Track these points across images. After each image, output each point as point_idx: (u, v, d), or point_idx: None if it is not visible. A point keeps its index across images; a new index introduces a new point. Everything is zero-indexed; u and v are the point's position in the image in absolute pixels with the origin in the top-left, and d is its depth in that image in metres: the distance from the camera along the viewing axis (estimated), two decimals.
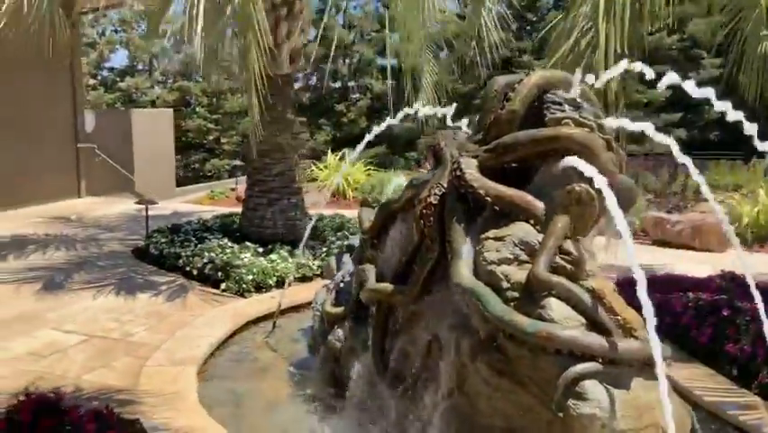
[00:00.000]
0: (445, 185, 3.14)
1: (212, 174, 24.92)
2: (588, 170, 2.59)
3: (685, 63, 21.96)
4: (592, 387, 2.36)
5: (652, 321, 2.25)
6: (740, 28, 4.58)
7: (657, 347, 2.21)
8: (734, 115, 2.88)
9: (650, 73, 2.99)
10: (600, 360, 2.38)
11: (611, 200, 2.43)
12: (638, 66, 2.90)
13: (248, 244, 6.98)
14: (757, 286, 3.18)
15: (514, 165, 3.08)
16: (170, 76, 30.46)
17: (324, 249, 7.03)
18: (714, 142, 19.35)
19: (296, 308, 5.56)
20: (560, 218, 2.65)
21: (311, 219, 7.53)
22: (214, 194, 12.84)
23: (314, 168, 12.97)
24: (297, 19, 7.33)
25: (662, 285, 5.63)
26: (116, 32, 30.65)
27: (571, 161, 2.71)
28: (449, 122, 3.76)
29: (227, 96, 26.27)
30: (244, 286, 5.97)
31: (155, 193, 14.08)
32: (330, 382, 4.06)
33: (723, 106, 2.85)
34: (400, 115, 4.06)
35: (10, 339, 4.72)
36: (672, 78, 2.91)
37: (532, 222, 2.80)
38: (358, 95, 28.60)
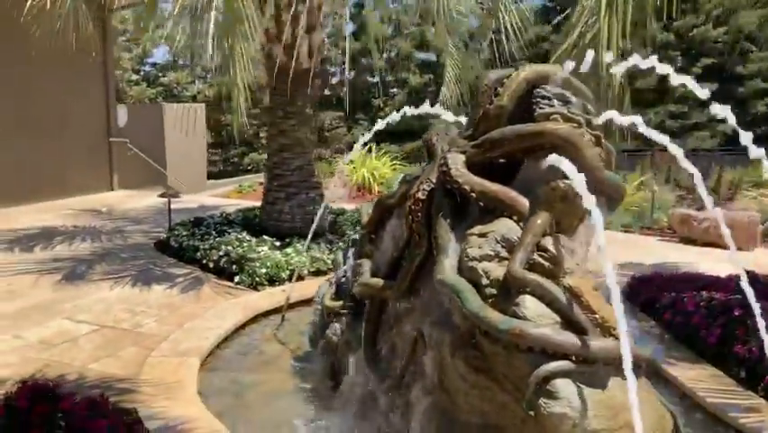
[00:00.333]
0: (434, 180, 3.13)
1: (251, 168, 25.17)
2: (568, 166, 2.55)
3: (732, 56, 21.45)
4: (564, 386, 2.33)
5: (623, 320, 2.20)
6: None
7: (626, 346, 2.16)
8: (730, 119, 2.79)
9: (644, 65, 2.93)
10: (573, 358, 2.35)
11: (587, 198, 2.38)
12: (635, 59, 2.83)
13: (265, 237, 7.05)
14: None
15: (502, 161, 3.06)
16: (210, 71, 30.84)
17: (342, 243, 7.05)
18: (762, 138, 18.76)
19: (306, 302, 5.56)
20: (539, 215, 2.62)
21: (327, 215, 7.58)
22: (243, 188, 12.99)
23: (339, 162, 13.02)
24: (315, 14, 7.35)
25: (679, 283, 5.53)
26: (159, 27, 31.15)
27: (554, 158, 2.67)
28: None
29: (266, 91, 26.47)
30: (257, 279, 6.04)
31: (187, 187, 14.36)
32: (329, 376, 4.09)
33: (719, 108, 2.77)
34: (397, 115, 4.04)
35: (24, 328, 4.85)
36: (663, 69, 2.84)
37: (516, 218, 2.78)
38: (395, 89, 28.60)
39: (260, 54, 7.38)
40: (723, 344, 4.28)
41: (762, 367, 3.95)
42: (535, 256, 2.56)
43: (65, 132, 11.31)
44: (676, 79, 2.72)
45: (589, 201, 2.36)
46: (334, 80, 35.50)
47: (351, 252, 4.58)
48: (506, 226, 2.74)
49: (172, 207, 10.12)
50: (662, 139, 2.93)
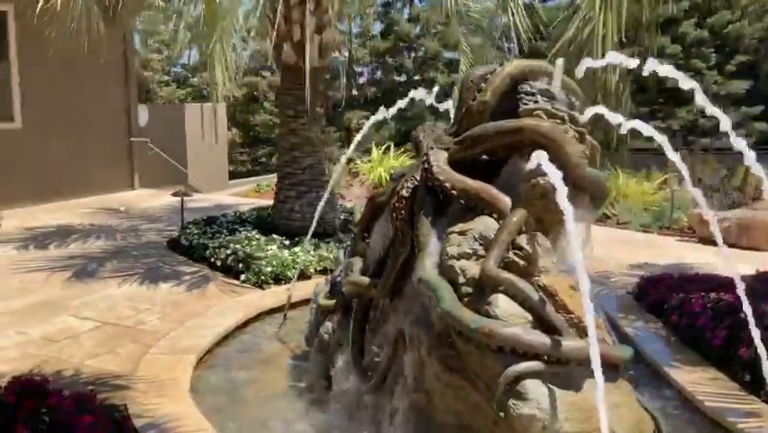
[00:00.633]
0: (418, 178, 3.09)
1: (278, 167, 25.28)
2: (546, 163, 2.49)
3: None
4: (533, 387, 2.28)
5: (591, 320, 2.14)
6: None
7: (595, 346, 2.09)
8: (723, 120, 2.71)
9: (632, 64, 2.86)
10: (545, 359, 2.30)
11: (563, 197, 2.32)
12: (617, 56, 2.77)
13: (275, 236, 7.06)
14: None
15: (485, 158, 3.01)
16: (239, 72, 31.11)
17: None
18: None
19: (310, 301, 5.57)
20: (515, 213, 2.57)
21: (338, 214, 7.55)
22: (260, 187, 13.05)
23: (358, 162, 13.02)
24: (326, 13, 7.35)
25: (689, 284, 5.40)
26: (190, 30, 31.49)
27: (535, 155, 2.61)
28: None
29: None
30: (263, 278, 6.05)
31: (208, 185, 14.48)
32: (323, 375, 4.07)
33: (704, 102, 2.69)
34: (394, 109, 4.01)
35: (29, 324, 4.91)
36: (651, 65, 2.77)
37: (496, 216, 2.73)
38: (423, 88, 28.48)
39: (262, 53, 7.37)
40: (728, 346, 4.17)
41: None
42: (511, 254, 2.52)
43: (86, 132, 11.45)
44: (658, 69, 2.63)
45: (562, 197, 2.31)
46: (362, 80, 35.58)
47: None
48: (484, 224, 2.69)
49: (190, 205, 10.23)
50: (662, 139, 2.86)
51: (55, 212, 9.81)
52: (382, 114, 4.26)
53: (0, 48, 10.00)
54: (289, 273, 6.13)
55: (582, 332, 2.45)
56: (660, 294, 5.28)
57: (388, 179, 12.18)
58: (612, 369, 2.48)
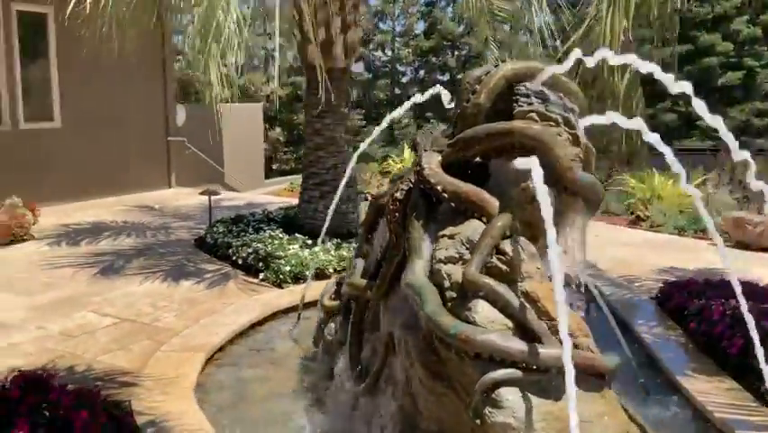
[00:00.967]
0: (412, 180, 3.07)
1: None
2: (533, 167, 2.44)
3: None
4: (509, 395, 2.24)
5: (565, 327, 2.08)
6: None
7: (567, 355, 2.04)
8: (714, 121, 2.61)
9: (617, 61, 2.78)
10: (523, 366, 2.25)
11: (542, 198, 2.28)
12: (606, 53, 2.69)
13: (298, 235, 7.10)
14: None
15: (479, 161, 2.97)
16: (284, 72, 31.42)
17: None
18: None
19: None
20: (500, 217, 2.53)
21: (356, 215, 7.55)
22: (293, 186, 13.13)
23: (390, 161, 13.00)
24: (351, 13, 7.36)
25: (714, 290, 5.23)
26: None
27: (523, 159, 2.57)
28: None
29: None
30: (281, 277, 6.09)
31: (244, 184, 14.67)
32: (327, 375, 4.07)
33: (699, 105, 2.60)
34: (401, 109, 3.98)
35: (50, 320, 5.04)
36: (640, 64, 2.69)
37: (485, 220, 2.69)
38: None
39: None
40: (745, 355, 4.03)
41: None
42: (494, 259, 2.47)
43: (124, 131, 11.70)
44: (643, 68, 2.54)
45: (543, 200, 2.26)
46: (405, 79, 35.57)
47: None
48: (472, 228, 2.66)
49: (224, 204, 10.39)
50: (664, 146, 2.78)
51: (91, 209, 10.05)
52: (397, 112, 4.24)
53: (40, 49, 10.30)
54: (308, 273, 6.14)
55: None
56: (682, 300, 5.14)
57: None
58: (598, 378, 2.41)
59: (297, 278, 6.14)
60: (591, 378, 2.38)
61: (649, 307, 5.52)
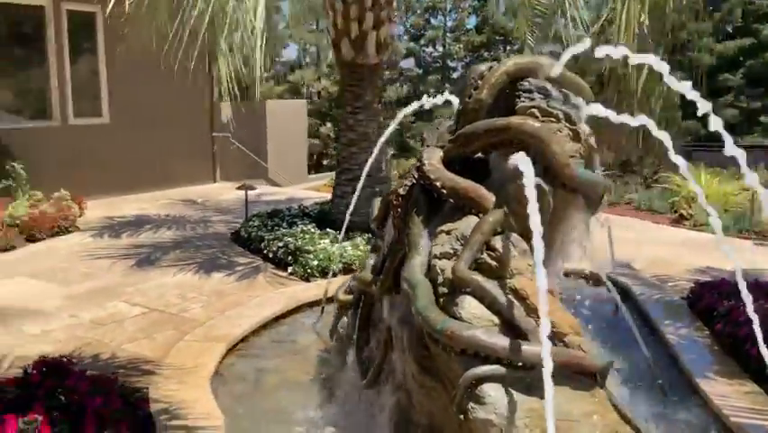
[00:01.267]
0: (416, 176, 3.08)
1: None
2: (521, 163, 2.43)
3: None
4: (491, 391, 2.23)
5: (546, 325, 2.06)
6: None
7: (547, 352, 2.02)
8: (715, 122, 2.54)
9: (635, 59, 2.73)
10: (506, 363, 2.25)
11: (531, 196, 2.25)
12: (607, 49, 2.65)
13: (329, 230, 7.17)
14: None
15: (479, 157, 2.96)
16: (335, 69, 31.71)
17: None
18: None
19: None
20: (492, 213, 2.53)
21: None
22: (332, 181, 13.25)
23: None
24: (384, 9, 7.38)
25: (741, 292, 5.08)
26: (287, 27, 32.44)
27: (519, 156, 2.55)
28: None
29: (386, 87, 26.85)
30: (309, 271, 6.17)
31: (287, 179, 14.85)
32: (341, 368, 4.12)
33: (703, 106, 2.53)
34: (410, 108, 3.98)
35: (84, 309, 5.23)
36: (649, 60, 2.64)
37: (482, 216, 2.68)
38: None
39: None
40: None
41: None
42: (484, 255, 2.47)
43: (170, 126, 11.97)
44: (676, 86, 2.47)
45: (530, 195, 2.24)
46: (456, 75, 35.36)
47: None
48: (467, 224, 2.66)
49: (264, 198, 10.56)
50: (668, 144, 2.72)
51: (136, 203, 10.35)
52: (419, 103, 4.22)
53: (89, 47, 10.63)
54: (335, 267, 6.21)
55: (557, 338, 2.38)
56: (712, 300, 5.01)
57: None
58: (589, 377, 2.39)
59: (325, 272, 6.18)
60: (581, 377, 2.36)
61: (679, 307, 5.40)
